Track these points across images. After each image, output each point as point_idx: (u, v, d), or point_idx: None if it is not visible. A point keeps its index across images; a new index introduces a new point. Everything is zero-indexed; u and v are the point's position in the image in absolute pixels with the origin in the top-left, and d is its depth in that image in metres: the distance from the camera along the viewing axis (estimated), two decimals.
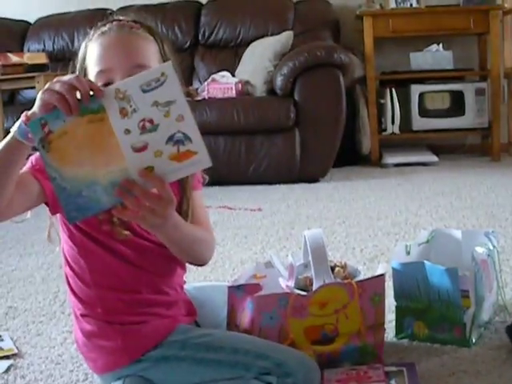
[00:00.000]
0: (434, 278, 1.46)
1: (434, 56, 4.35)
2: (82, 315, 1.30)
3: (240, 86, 3.92)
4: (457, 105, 4.31)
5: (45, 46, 4.69)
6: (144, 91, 1.02)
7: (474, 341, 1.47)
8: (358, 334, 1.38)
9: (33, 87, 3.70)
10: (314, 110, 3.75)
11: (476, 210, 2.81)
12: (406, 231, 2.53)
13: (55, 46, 4.68)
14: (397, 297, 1.55)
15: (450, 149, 4.56)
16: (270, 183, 3.75)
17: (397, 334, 1.54)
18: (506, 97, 4.50)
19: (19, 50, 4.57)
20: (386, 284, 1.42)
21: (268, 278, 1.44)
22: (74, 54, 1.28)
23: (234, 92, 3.88)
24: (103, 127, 1.03)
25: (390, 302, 1.55)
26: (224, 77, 4.03)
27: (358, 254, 2.25)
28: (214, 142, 3.73)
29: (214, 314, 1.44)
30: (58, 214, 1.25)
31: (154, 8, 4.56)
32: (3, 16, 4.88)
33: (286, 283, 1.41)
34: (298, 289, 1.39)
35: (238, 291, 1.38)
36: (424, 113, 4.32)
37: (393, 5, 4.36)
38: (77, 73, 1.24)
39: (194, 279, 1.89)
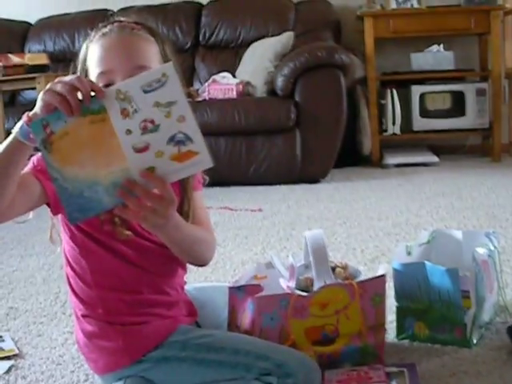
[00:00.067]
0: (434, 279, 1.46)
1: (435, 56, 4.35)
2: (83, 316, 1.30)
3: (241, 86, 3.91)
4: (458, 105, 4.30)
5: (45, 46, 4.69)
6: (145, 92, 1.02)
7: (474, 341, 1.47)
8: (359, 335, 1.38)
9: (34, 88, 3.70)
10: (314, 110, 3.75)
11: (477, 211, 2.81)
12: (406, 232, 2.53)
13: (56, 47, 4.68)
14: (397, 297, 1.54)
15: (451, 149, 4.56)
16: (271, 184, 3.75)
17: (397, 334, 1.54)
18: (507, 97, 4.50)
19: (20, 50, 4.57)
20: (386, 284, 1.42)
21: (269, 278, 1.44)
22: (75, 54, 1.28)
23: (234, 93, 3.88)
24: (104, 128, 1.03)
25: (391, 303, 1.55)
26: (225, 77, 4.03)
27: (358, 255, 2.25)
28: (215, 142, 3.73)
29: (214, 314, 1.44)
30: (59, 215, 1.26)
31: (154, 9, 4.56)
32: (4, 17, 4.88)
33: (286, 284, 1.41)
34: (298, 289, 1.38)
35: (238, 292, 1.38)
36: (425, 113, 4.31)
37: (393, 5, 4.36)
38: (78, 74, 1.24)
39: (194, 280, 1.89)
